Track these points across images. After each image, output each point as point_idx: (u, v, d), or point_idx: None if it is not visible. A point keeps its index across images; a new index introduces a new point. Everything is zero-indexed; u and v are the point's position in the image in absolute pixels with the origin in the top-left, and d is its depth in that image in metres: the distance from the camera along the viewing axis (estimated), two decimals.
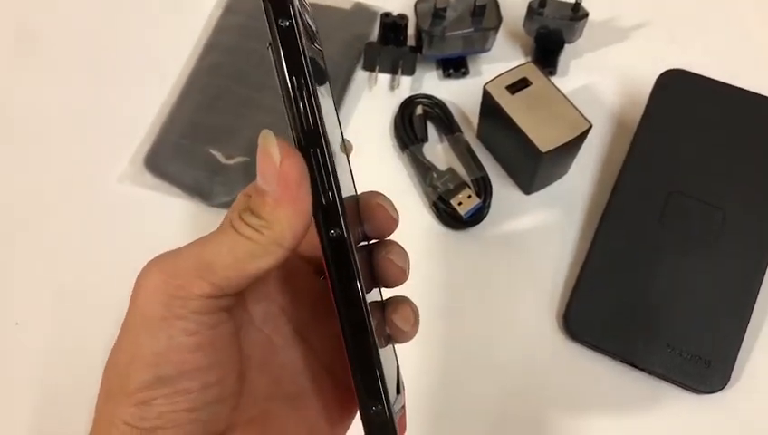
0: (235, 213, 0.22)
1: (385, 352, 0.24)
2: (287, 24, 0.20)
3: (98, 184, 0.47)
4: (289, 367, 0.26)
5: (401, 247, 0.25)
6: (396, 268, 0.25)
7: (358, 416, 0.24)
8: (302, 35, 0.20)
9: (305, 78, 0.20)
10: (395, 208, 0.25)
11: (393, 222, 0.25)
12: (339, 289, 0.22)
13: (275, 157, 0.21)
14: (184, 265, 0.21)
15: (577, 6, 0.49)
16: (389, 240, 0.26)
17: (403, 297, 0.26)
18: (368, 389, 0.22)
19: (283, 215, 0.21)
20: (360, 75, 0.52)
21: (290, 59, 0.20)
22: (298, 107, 0.20)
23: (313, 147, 0.21)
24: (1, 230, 0.47)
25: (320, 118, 0.21)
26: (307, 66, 0.20)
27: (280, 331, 0.26)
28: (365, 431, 0.22)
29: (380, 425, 0.22)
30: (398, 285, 0.25)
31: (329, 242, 0.21)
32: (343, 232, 0.21)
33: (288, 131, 0.21)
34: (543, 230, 0.46)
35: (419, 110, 0.49)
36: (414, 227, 0.46)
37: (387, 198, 0.25)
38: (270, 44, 0.21)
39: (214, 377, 0.22)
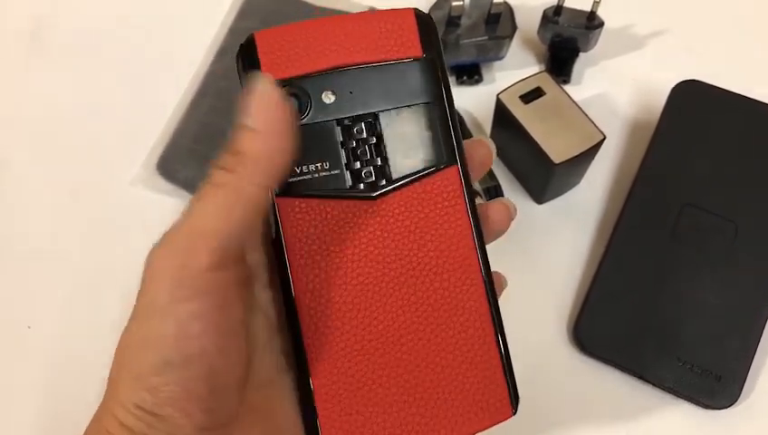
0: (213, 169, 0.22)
1: None
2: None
3: (110, 187, 0.48)
4: (287, 355, 0.27)
5: None
6: None
7: None
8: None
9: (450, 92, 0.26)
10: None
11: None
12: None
13: (267, 93, 0.22)
14: (181, 243, 0.22)
15: (592, 15, 0.48)
16: None
17: None
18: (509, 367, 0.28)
19: (262, 147, 0.22)
20: None
21: (444, 77, 0.26)
22: (453, 114, 0.26)
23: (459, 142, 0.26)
24: (13, 233, 0.47)
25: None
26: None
27: (281, 316, 0.27)
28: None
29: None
30: None
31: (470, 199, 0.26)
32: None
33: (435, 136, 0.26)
34: (555, 240, 0.46)
35: None
36: None
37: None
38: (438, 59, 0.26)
39: (220, 362, 0.22)
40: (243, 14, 0.53)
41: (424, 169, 0.25)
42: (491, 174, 0.47)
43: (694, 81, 0.46)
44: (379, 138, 0.25)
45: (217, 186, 0.22)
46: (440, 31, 0.48)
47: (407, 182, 0.25)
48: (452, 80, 0.51)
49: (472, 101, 0.50)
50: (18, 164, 0.49)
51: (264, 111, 0.22)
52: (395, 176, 0.25)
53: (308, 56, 0.25)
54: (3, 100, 0.52)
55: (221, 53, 0.51)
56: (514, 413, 0.27)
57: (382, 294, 0.25)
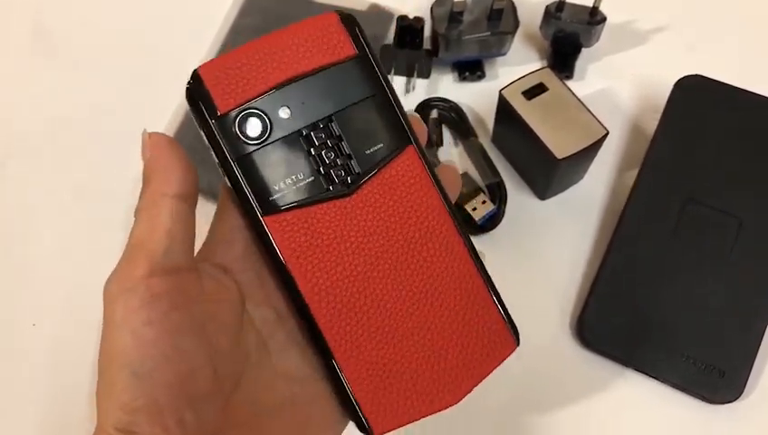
0: None
1: None
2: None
3: (113, 187, 0.48)
4: (281, 372, 0.27)
5: None
6: None
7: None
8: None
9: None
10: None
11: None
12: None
13: (145, 137, 0.26)
14: (125, 261, 0.24)
15: (595, 10, 0.48)
16: None
17: None
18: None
19: (159, 167, 0.25)
20: None
21: (380, 68, 0.28)
22: (396, 99, 0.28)
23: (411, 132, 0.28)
24: (18, 232, 0.47)
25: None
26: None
27: (274, 336, 0.27)
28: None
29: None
30: None
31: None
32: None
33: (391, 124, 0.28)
34: (558, 236, 0.46)
35: (434, 113, 0.49)
36: None
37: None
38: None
39: (185, 367, 0.23)
40: (244, 12, 0.53)
41: (386, 156, 0.27)
42: (493, 170, 0.47)
43: (697, 76, 0.46)
44: (339, 138, 0.27)
45: (141, 207, 0.25)
46: (442, 27, 0.48)
47: (374, 172, 0.27)
48: (454, 76, 0.51)
49: (474, 98, 0.50)
50: (21, 164, 0.49)
51: (155, 144, 0.26)
52: (362, 169, 0.27)
53: (254, 79, 0.26)
54: (4, 99, 0.52)
55: (223, 52, 0.51)
56: (518, 344, 0.30)
57: (381, 275, 0.27)
